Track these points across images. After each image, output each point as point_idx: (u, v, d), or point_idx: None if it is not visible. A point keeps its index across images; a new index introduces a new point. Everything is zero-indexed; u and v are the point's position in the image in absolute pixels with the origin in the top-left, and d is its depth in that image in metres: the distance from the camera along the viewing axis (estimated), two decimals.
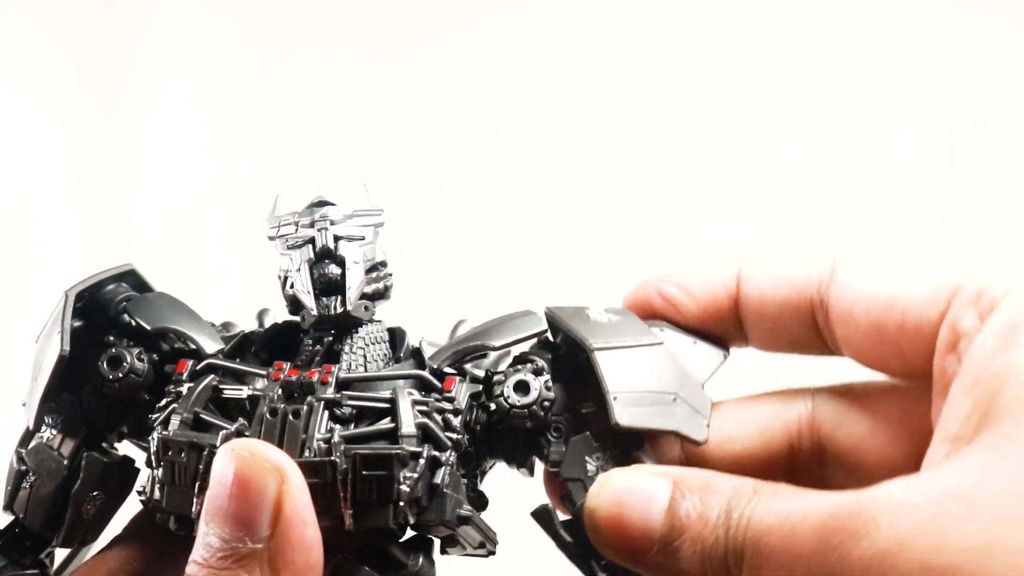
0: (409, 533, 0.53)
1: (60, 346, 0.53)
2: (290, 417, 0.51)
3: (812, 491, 0.46)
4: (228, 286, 1.27)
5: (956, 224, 1.25)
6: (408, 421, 0.51)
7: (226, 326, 0.58)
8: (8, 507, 0.56)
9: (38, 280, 1.26)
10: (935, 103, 1.27)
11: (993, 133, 1.26)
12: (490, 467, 0.57)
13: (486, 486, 0.56)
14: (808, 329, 0.56)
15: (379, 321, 0.56)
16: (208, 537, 0.48)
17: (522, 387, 0.53)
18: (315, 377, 0.52)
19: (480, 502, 0.55)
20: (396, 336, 0.56)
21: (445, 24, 1.32)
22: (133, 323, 0.55)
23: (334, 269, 0.54)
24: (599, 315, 0.55)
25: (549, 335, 0.56)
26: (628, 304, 0.58)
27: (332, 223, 0.54)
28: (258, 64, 1.32)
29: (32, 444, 0.55)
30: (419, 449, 0.50)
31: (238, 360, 0.55)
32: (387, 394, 0.52)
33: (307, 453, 0.50)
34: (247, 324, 0.58)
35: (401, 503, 0.50)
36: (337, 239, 0.54)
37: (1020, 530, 0.42)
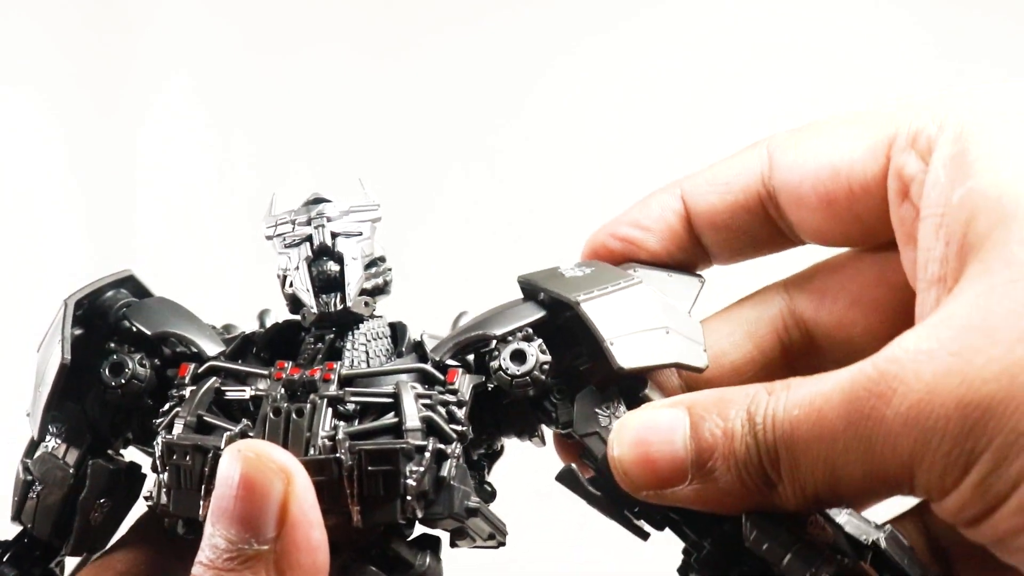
0: (418, 531, 0.53)
1: (61, 355, 0.53)
2: (293, 416, 0.51)
3: (824, 374, 0.46)
4: (228, 286, 1.27)
5: None
6: (412, 415, 0.51)
7: (227, 328, 0.58)
8: (16, 518, 0.56)
9: (38, 281, 1.26)
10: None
11: None
12: (500, 447, 0.57)
13: (493, 477, 0.57)
14: (763, 225, 0.56)
15: (380, 316, 0.56)
16: (214, 538, 0.48)
17: (519, 356, 0.53)
18: (317, 375, 0.52)
19: (488, 493, 0.55)
20: (397, 331, 0.56)
21: (445, 24, 1.32)
22: (133, 329, 0.55)
23: (332, 266, 0.54)
24: (573, 271, 0.55)
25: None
26: (587, 257, 0.58)
27: (329, 220, 0.54)
28: (258, 64, 1.32)
29: (37, 454, 0.55)
30: (424, 442, 0.50)
31: (240, 361, 0.55)
32: (390, 389, 0.52)
33: (312, 451, 0.50)
34: (248, 325, 0.58)
35: (408, 497, 0.50)
36: (335, 236, 0.54)
37: None
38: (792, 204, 0.54)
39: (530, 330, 0.54)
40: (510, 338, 0.54)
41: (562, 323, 0.54)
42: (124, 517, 0.57)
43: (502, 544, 0.55)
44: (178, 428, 0.51)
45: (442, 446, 0.51)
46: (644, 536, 0.53)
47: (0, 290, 1.27)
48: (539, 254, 1.24)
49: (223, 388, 0.53)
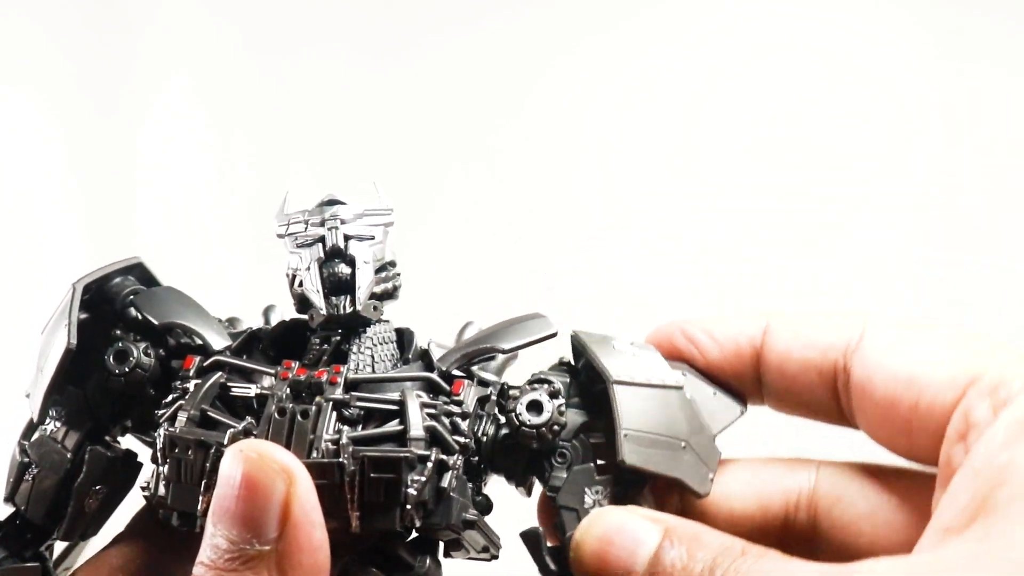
0: (415, 536, 0.53)
1: (67, 339, 0.52)
2: (298, 417, 0.50)
3: (798, 561, 0.46)
4: (228, 286, 1.27)
5: (955, 223, 1.25)
6: (417, 424, 0.51)
7: (232, 322, 0.58)
8: (9, 499, 0.56)
9: (38, 280, 1.26)
10: (935, 103, 1.27)
11: (993, 133, 1.26)
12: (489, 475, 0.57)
13: (490, 491, 0.56)
14: (827, 393, 0.56)
15: (387, 321, 0.56)
16: (215, 539, 0.47)
17: (535, 407, 0.53)
18: (324, 377, 0.52)
19: (485, 506, 0.55)
20: (404, 337, 0.56)
21: (445, 24, 1.32)
22: (140, 317, 0.55)
23: (344, 268, 0.53)
24: (624, 347, 0.55)
25: (571, 359, 0.56)
26: (651, 340, 0.58)
27: (342, 222, 0.54)
28: (258, 64, 1.32)
29: (35, 436, 0.55)
30: (427, 452, 0.50)
31: (245, 357, 0.55)
32: (395, 396, 0.52)
33: (315, 454, 0.50)
34: (250, 322, 0.58)
35: (408, 506, 0.50)
36: (347, 238, 0.54)
37: None
38: (859, 388, 0.54)
39: (559, 386, 0.53)
40: (536, 386, 0.54)
41: (596, 391, 0.53)
42: (118, 505, 0.57)
43: (495, 557, 0.55)
44: (181, 421, 0.51)
45: (444, 457, 0.51)
46: None
47: (0, 290, 1.27)
48: (539, 254, 1.24)
49: (228, 384, 0.53)
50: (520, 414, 0.53)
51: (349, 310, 0.53)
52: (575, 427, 0.53)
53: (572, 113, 1.31)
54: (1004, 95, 1.26)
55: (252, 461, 0.47)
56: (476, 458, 0.54)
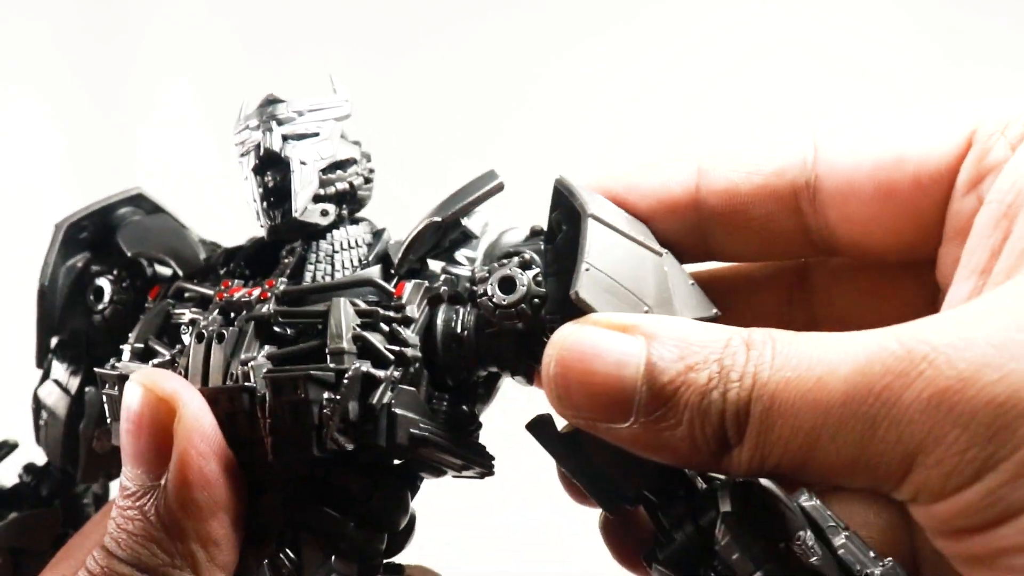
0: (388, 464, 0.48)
1: (39, 281, 0.52)
2: (214, 342, 0.46)
3: (824, 337, 0.41)
4: None
5: None
6: (340, 335, 0.45)
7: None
8: (38, 442, 0.55)
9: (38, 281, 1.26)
10: (934, 102, 1.27)
11: None
12: (482, 378, 0.50)
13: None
14: (788, 220, 0.49)
15: (360, 222, 0.50)
16: (123, 475, 0.45)
17: (508, 284, 0.47)
18: (253, 295, 0.47)
19: (462, 420, 0.49)
20: (377, 239, 0.51)
21: (446, 24, 1.32)
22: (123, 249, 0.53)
23: (280, 173, 0.48)
24: (615, 207, 0.48)
25: (546, 224, 0.49)
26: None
27: (279, 123, 0.49)
28: (258, 64, 1.32)
29: (45, 383, 0.54)
30: (344, 367, 0.45)
31: (212, 278, 0.51)
32: (322, 308, 0.47)
33: (230, 379, 0.45)
34: None
35: (324, 428, 0.44)
36: (285, 139, 0.49)
37: None
38: (839, 196, 0.48)
39: (531, 255, 0.48)
40: (505, 261, 0.48)
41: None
42: None
43: (488, 474, 0.49)
44: (126, 356, 0.48)
45: (372, 371, 0.45)
46: (614, 510, 0.47)
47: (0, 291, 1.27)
48: None
49: (172, 312, 0.49)
50: (493, 296, 0.46)
51: (286, 218, 0.48)
52: (560, 297, 0.46)
53: (572, 113, 1.30)
54: (1004, 95, 1.26)
55: (141, 393, 0.44)
56: (462, 358, 0.48)
